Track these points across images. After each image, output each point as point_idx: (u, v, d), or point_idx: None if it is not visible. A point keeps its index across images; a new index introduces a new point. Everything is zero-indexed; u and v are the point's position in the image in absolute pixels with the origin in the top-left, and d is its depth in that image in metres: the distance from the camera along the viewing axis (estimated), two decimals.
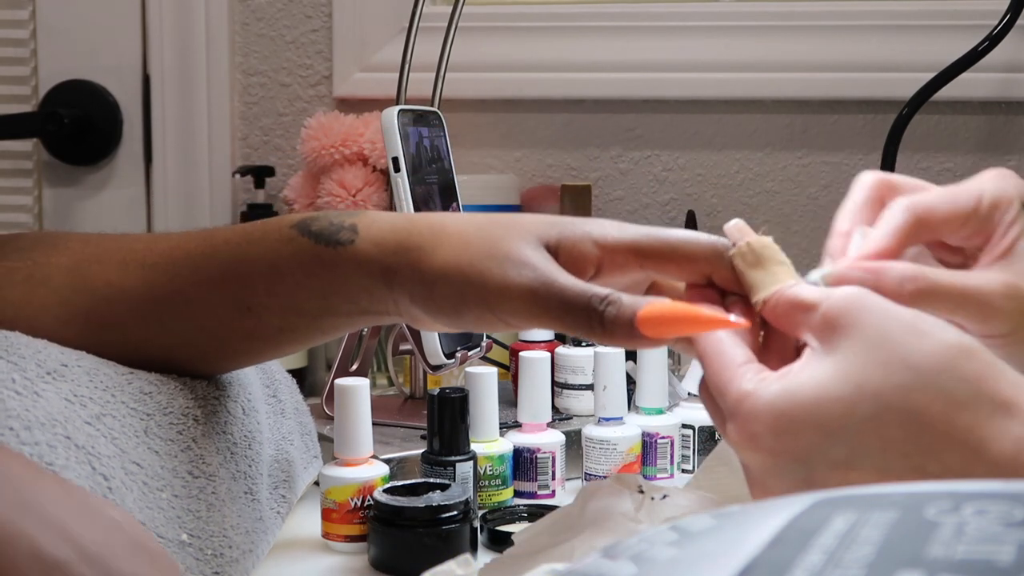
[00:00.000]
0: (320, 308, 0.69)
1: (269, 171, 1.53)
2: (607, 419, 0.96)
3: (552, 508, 0.74)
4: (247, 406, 0.78)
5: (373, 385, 1.24)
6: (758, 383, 0.55)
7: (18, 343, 0.65)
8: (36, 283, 0.72)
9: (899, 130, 1.36)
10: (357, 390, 0.85)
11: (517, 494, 0.95)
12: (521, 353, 0.99)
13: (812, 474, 0.53)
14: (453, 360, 0.96)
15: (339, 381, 0.86)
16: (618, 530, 0.66)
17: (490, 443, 0.93)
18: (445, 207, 1.00)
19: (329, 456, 0.89)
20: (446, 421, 0.88)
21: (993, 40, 1.33)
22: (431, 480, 0.85)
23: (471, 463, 0.89)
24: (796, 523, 0.35)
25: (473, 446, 0.90)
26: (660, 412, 1.00)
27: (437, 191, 0.99)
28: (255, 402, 0.80)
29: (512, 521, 0.88)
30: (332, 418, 0.88)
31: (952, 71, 1.33)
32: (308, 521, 0.88)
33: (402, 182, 0.94)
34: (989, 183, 0.65)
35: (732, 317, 0.59)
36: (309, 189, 1.44)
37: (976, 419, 0.50)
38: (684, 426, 1.02)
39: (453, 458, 0.88)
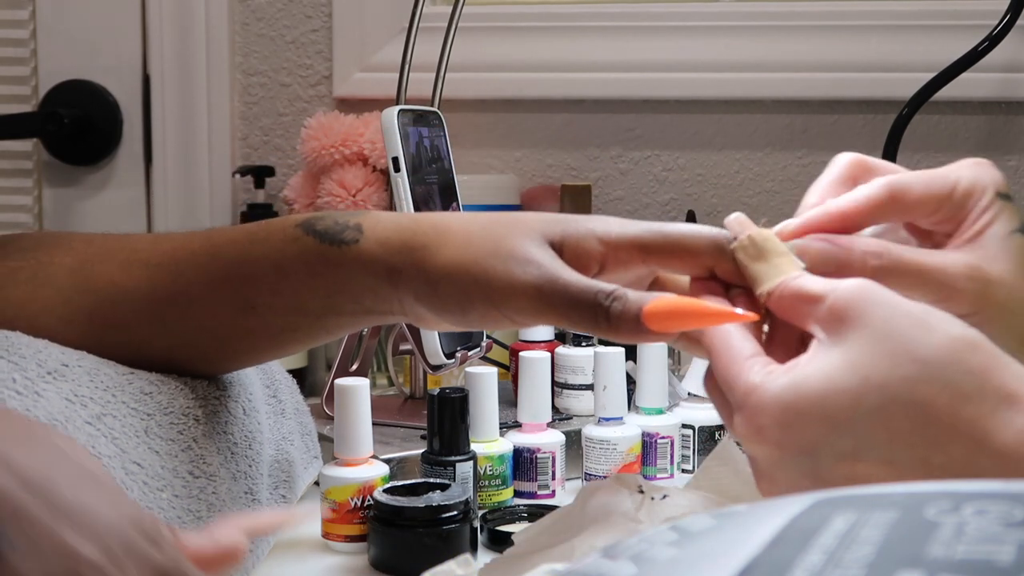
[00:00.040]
0: (324, 307, 0.69)
1: (269, 171, 1.53)
2: (607, 419, 0.96)
3: (552, 508, 0.74)
4: (248, 406, 0.78)
5: (373, 385, 1.24)
6: (765, 376, 0.55)
7: (19, 343, 0.65)
8: (39, 283, 0.72)
9: (899, 130, 1.36)
10: (357, 390, 0.85)
11: (517, 494, 0.95)
12: (521, 353, 0.99)
13: (818, 466, 0.53)
14: (453, 360, 0.96)
15: (339, 381, 0.86)
16: (618, 530, 0.66)
17: (490, 443, 0.93)
18: (445, 207, 1.00)
19: (329, 456, 0.89)
20: (446, 421, 0.88)
21: (993, 40, 1.33)
22: (431, 480, 0.85)
23: (471, 463, 0.89)
24: (796, 523, 0.35)
25: (473, 446, 0.90)
26: (660, 412, 1.00)
27: (437, 191, 0.99)
28: (256, 402, 0.80)
29: (512, 521, 0.88)
30: (332, 418, 0.88)
31: (952, 71, 1.33)
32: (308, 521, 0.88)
33: (402, 182, 0.94)
34: (966, 170, 0.66)
35: (738, 311, 0.59)
36: (309, 189, 1.44)
37: (981, 411, 0.51)
38: (684, 426, 1.02)
39: (453, 458, 0.88)
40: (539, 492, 0.95)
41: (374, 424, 0.87)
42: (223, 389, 0.76)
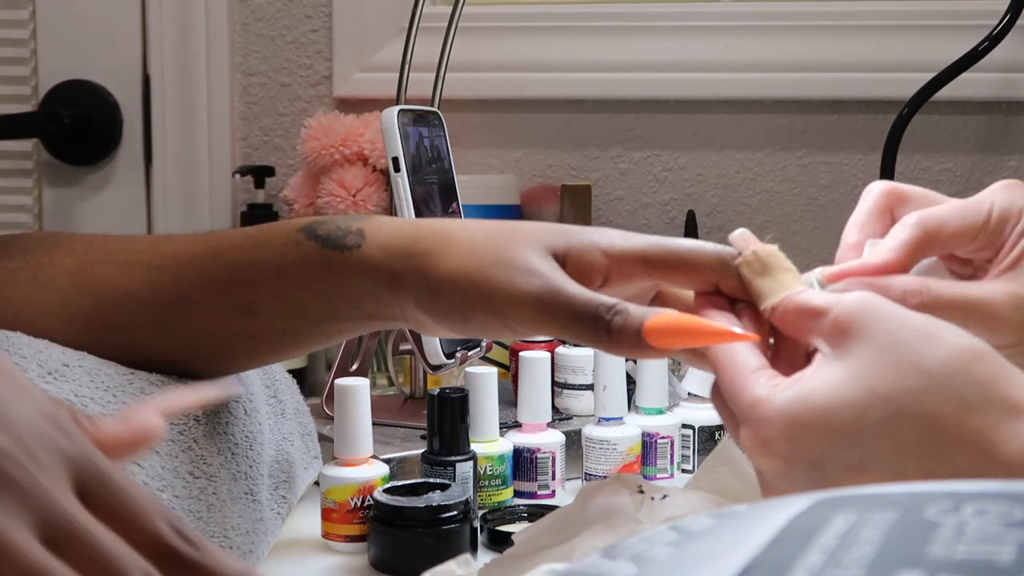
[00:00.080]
0: (325, 312, 0.69)
1: (269, 171, 1.53)
2: (607, 419, 0.96)
3: (552, 508, 0.74)
4: (249, 407, 0.78)
5: (373, 385, 1.24)
6: (771, 389, 0.55)
7: (19, 343, 0.65)
8: (39, 284, 0.72)
9: (899, 130, 1.36)
10: (357, 390, 0.85)
11: (517, 494, 0.95)
12: (521, 353, 0.99)
13: (825, 478, 0.53)
14: (453, 360, 0.96)
15: (339, 381, 0.86)
16: (618, 530, 0.66)
17: (490, 443, 0.93)
18: (445, 207, 1.00)
19: (329, 456, 0.89)
20: (446, 421, 0.88)
21: (993, 40, 1.33)
22: (431, 480, 0.85)
23: (471, 463, 0.89)
24: (796, 523, 0.35)
25: (473, 446, 0.90)
26: (660, 412, 1.00)
27: (437, 191, 0.99)
28: (257, 403, 0.80)
29: (512, 521, 0.88)
30: (332, 418, 0.88)
31: (952, 71, 1.33)
32: (308, 521, 0.88)
33: (402, 182, 0.94)
34: (999, 195, 0.66)
35: (738, 329, 0.59)
36: (309, 189, 1.44)
37: (987, 422, 0.51)
38: (684, 426, 1.02)
39: (453, 458, 0.88)
40: (539, 492, 0.95)
41: (374, 424, 0.87)
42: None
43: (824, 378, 0.54)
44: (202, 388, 0.56)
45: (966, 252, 0.66)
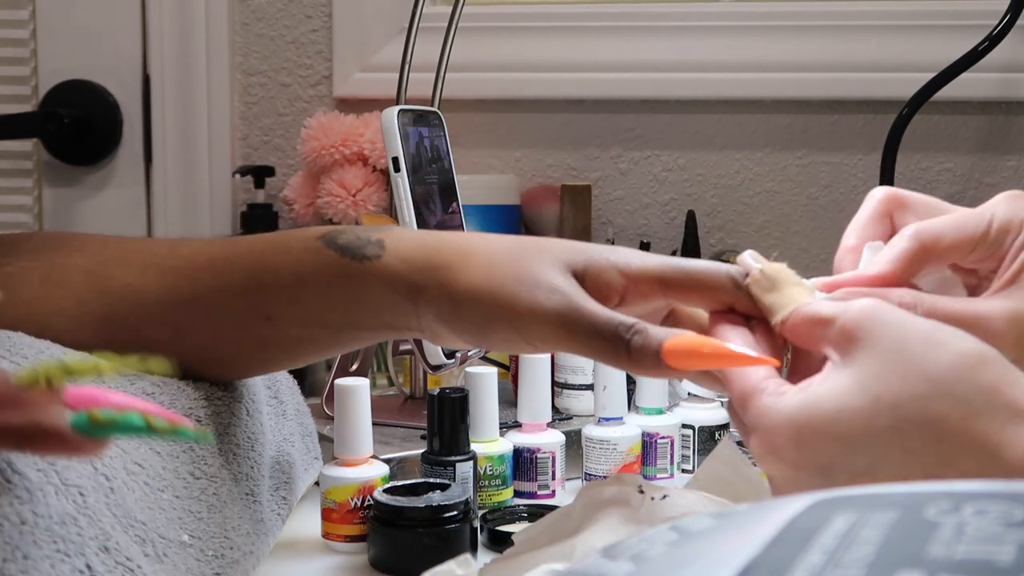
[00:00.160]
0: (342, 321, 0.69)
1: (269, 171, 1.53)
2: (607, 419, 0.96)
3: (552, 508, 0.74)
4: (251, 408, 0.78)
5: (373, 385, 1.24)
6: (778, 397, 0.55)
7: (20, 343, 0.65)
8: (53, 284, 0.72)
9: (899, 130, 1.36)
10: (357, 390, 0.85)
11: (517, 494, 0.95)
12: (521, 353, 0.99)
13: (834, 484, 0.53)
14: (453, 360, 0.96)
15: (339, 381, 0.86)
16: (618, 530, 0.66)
17: (490, 443, 0.93)
18: (445, 207, 1.00)
19: (329, 456, 0.89)
20: (446, 421, 0.88)
21: (993, 40, 1.33)
22: (431, 480, 0.85)
23: (471, 463, 0.89)
24: (796, 523, 0.35)
25: (473, 446, 0.90)
26: (660, 412, 1.00)
27: (437, 191, 0.99)
28: (259, 404, 0.80)
29: (512, 521, 0.88)
30: (332, 418, 0.88)
31: (952, 71, 1.33)
32: (308, 521, 0.88)
33: (402, 182, 0.94)
34: (1001, 206, 0.66)
35: (755, 353, 0.59)
36: (309, 189, 1.44)
37: (992, 427, 0.51)
38: (684, 426, 1.02)
39: (453, 458, 0.88)
40: (539, 492, 0.95)
41: (374, 424, 0.87)
42: (226, 391, 0.76)
43: (831, 386, 0.54)
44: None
45: (968, 263, 0.66)
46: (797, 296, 0.60)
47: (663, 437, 0.99)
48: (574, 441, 1.00)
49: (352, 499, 0.84)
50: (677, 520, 0.39)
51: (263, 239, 0.72)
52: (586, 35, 1.51)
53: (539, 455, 0.95)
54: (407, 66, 1.19)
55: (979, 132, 1.45)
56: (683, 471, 1.01)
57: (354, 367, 1.06)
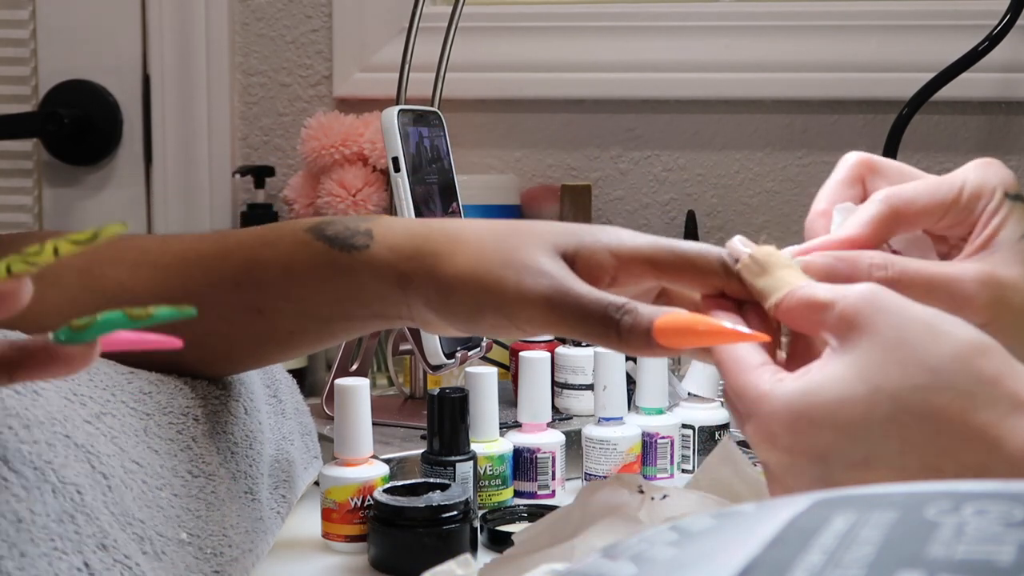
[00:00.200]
0: (332, 312, 0.69)
1: (269, 171, 1.53)
2: (607, 419, 0.96)
3: (552, 508, 0.74)
4: (249, 406, 0.78)
5: (373, 385, 1.24)
6: (775, 384, 0.55)
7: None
8: (47, 283, 0.72)
9: (899, 130, 1.36)
10: (357, 390, 0.85)
11: (517, 494, 0.95)
12: (521, 353, 0.99)
13: (830, 473, 0.53)
14: (453, 360, 0.96)
15: (339, 381, 0.86)
16: (618, 530, 0.66)
17: (490, 443, 0.93)
18: (445, 207, 1.00)
19: (329, 456, 0.89)
20: (446, 421, 0.88)
21: (993, 40, 1.33)
22: (431, 480, 0.85)
23: (471, 463, 0.89)
24: (796, 523, 0.35)
25: (473, 446, 0.90)
26: (660, 412, 1.00)
27: (437, 191, 0.99)
28: (257, 402, 0.81)
29: (512, 521, 0.88)
30: (332, 418, 0.88)
31: (952, 71, 1.33)
32: (308, 521, 0.88)
33: (402, 182, 0.94)
34: (972, 172, 0.66)
35: (746, 330, 0.59)
36: (309, 189, 1.44)
37: (991, 418, 0.50)
38: (684, 426, 1.02)
39: (453, 458, 0.88)
40: (539, 492, 0.95)
41: (374, 424, 0.87)
42: (224, 389, 0.76)
43: (829, 373, 0.54)
44: None
45: (939, 229, 0.66)
46: (789, 279, 0.60)
47: (663, 437, 0.99)
48: (574, 441, 1.00)
49: (352, 499, 0.84)
50: (677, 520, 0.39)
51: (253, 233, 0.72)
52: (586, 35, 1.51)
53: (539, 455, 0.95)
54: (407, 66, 1.19)
55: (979, 132, 1.45)
56: (683, 471, 1.01)
57: (354, 367, 1.06)
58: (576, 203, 1.40)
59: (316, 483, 0.89)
